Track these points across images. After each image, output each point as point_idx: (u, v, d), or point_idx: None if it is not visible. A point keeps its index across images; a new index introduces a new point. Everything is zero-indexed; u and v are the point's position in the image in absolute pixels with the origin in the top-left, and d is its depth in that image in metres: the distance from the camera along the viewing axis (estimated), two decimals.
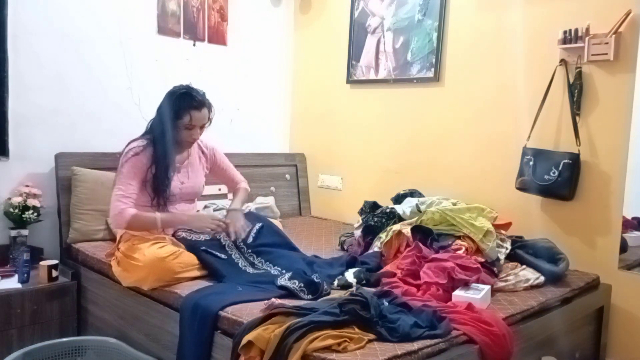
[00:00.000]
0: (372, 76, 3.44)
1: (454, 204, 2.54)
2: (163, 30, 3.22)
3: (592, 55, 2.45)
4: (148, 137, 2.35)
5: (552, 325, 2.08)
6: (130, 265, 2.16)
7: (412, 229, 2.34)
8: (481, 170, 2.92)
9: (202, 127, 2.38)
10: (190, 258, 2.19)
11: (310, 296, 1.93)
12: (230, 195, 3.30)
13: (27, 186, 2.68)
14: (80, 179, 2.74)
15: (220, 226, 2.28)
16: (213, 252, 2.22)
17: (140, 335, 2.22)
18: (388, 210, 2.65)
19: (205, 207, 2.98)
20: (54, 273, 2.52)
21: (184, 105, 2.29)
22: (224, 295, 1.94)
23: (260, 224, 2.43)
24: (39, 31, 2.75)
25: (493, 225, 2.35)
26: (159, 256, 2.09)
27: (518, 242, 2.43)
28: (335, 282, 2.11)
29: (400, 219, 2.58)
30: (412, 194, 2.83)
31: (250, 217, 2.50)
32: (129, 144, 2.36)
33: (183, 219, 2.32)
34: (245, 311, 1.81)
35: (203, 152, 2.57)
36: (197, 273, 2.16)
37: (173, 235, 2.34)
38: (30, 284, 2.46)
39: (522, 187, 2.64)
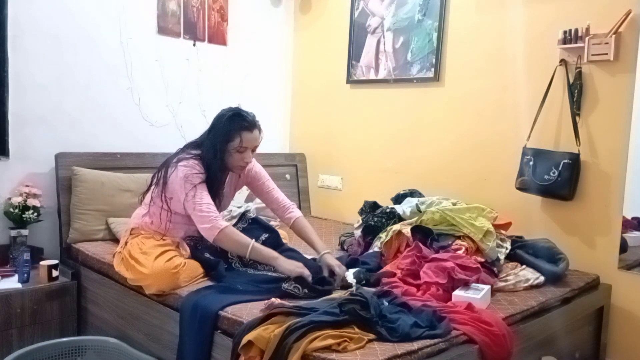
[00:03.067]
0: (372, 76, 3.44)
1: (454, 204, 2.54)
2: (163, 30, 3.22)
3: (592, 55, 2.45)
4: (198, 156, 2.22)
5: (552, 325, 2.08)
6: (134, 269, 2.15)
7: (412, 229, 2.34)
8: (481, 170, 2.92)
9: (253, 150, 2.25)
10: (195, 268, 2.17)
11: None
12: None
13: (27, 186, 2.68)
14: (80, 179, 2.74)
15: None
16: (216, 258, 2.21)
17: (140, 335, 2.22)
18: (388, 210, 2.65)
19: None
20: (54, 273, 2.52)
21: (234, 127, 2.17)
22: (224, 295, 1.94)
23: (266, 235, 2.38)
24: (39, 31, 2.75)
25: (493, 225, 2.35)
26: (166, 269, 2.06)
27: (518, 242, 2.43)
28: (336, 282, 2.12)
29: (400, 219, 2.58)
30: (412, 194, 2.83)
31: (259, 225, 2.47)
32: (179, 160, 2.20)
33: (271, 255, 2.09)
34: (245, 311, 1.81)
35: (239, 175, 2.42)
36: (199, 286, 2.11)
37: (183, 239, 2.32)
38: (30, 284, 2.46)
39: (522, 187, 2.64)
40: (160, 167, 2.28)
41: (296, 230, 2.43)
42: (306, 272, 2.00)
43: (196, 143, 2.29)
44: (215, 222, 2.09)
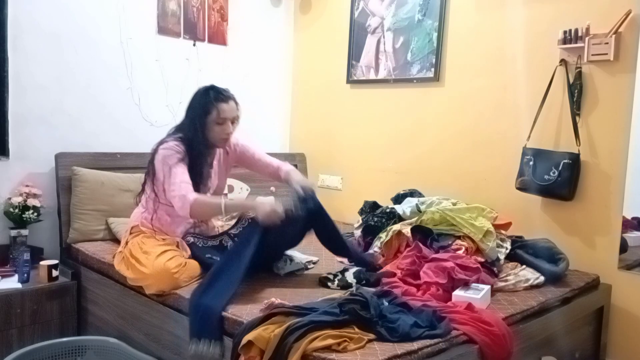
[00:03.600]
0: (372, 76, 3.44)
1: (454, 204, 2.54)
2: (163, 30, 3.22)
3: (592, 55, 2.45)
4: (179, 137, 2.25)
5: (552, 325, 2.08)
6: (134, 268, 2.15)
7: (412, 229, 2.34)
8: (481, 170, 2.92)
9: (233, 122, 2.28)
10: (195, 269, 2.17)
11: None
12: (231, 195, 3.28)
13: (27, 186, 2.68)
14: (80, 179, 2.74)
15: (277, 217, 2.06)
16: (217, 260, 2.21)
17: (140, 335, 2.22)
18: (388, 210, 2.64)
19: None
20: (54, 273, 2.52)
21: (210, 99, 2.22)
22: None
23: None
24: (39, 31, 2.75)
25: (493, 225, 2.35)
26: (166, 269, 2.06)
27: (518, 242, 2.43)
28: (336, 282, 2.12)
29: (400, 219, 2.58)
30: (412, 194, 2.83)
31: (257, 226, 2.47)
32: (161, 144, 2.23)
33: (248, 205, 2.19)
34: (245, 311, 1.81)
35: (227, 152, 2.45)
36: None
37: (183, 238, 2.32)
38: (30, 284, 2.46)
39: (522, 187, 2.64)
40: (149, 160, 2.30)
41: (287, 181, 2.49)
42: (279, 215, 2.04)
43: (178, 126, 2.32)
44: (184, 198, 2.08)
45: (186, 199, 2.08)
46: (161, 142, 2.25)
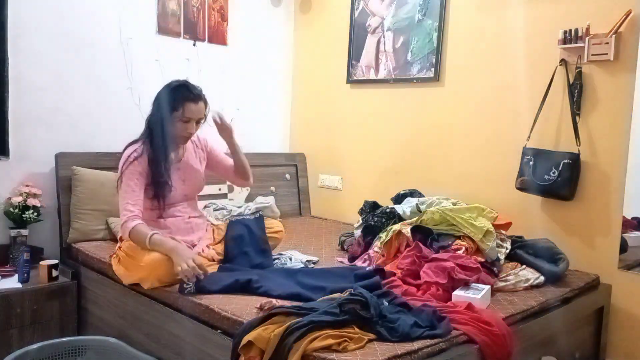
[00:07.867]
0: (372, 76, 3.44)
1: (454, 204, 2.54)
2: (163, 30, 3.22)
3: (592, 55, 2.45)
4: (144, 139, 2.28)
5: (552, 325, 2.08)
6: (131, 264, 2.16)
7: (412, 229, 2.34)
8: (481, 170, 2.92)
9: (197, 122, 2.28)
10: None
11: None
12: (230, 195, 3.33)
13: (27, 186, 2.68)
14: (80, 179, 2.75)
15: (192, 273, 1.99)
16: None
17: (140, 335, 2.22)
18: (388, 210, 2.65)
19: (205, 207, 2.99)
20: (54, 273, 2.52)
21: (179, 97, 2.22)
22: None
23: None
24: (39, 31, 2.75)
25: (493, 225, 2.35)
26: (161, 258, 2.07)
27: (518, 242, 2.43)
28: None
29: (400, 219, 2.58)
30: (412, 194, 2.84)
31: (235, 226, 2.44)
32: (126, 147, 2.28)
33: (169, 246, 2.08)
34: (245, 311, 1.81)
35: (197, 145, 2.47)
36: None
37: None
38: (30, 284, 2.46)
39: (522, 187, 2.64)
40: None
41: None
42: (196, 272, 1.98)
43: (148, 117, 2.32)
44: (124, 225, 2.12)
45: (126, 226, 2.12)
46: (129, 144, 2.28)
